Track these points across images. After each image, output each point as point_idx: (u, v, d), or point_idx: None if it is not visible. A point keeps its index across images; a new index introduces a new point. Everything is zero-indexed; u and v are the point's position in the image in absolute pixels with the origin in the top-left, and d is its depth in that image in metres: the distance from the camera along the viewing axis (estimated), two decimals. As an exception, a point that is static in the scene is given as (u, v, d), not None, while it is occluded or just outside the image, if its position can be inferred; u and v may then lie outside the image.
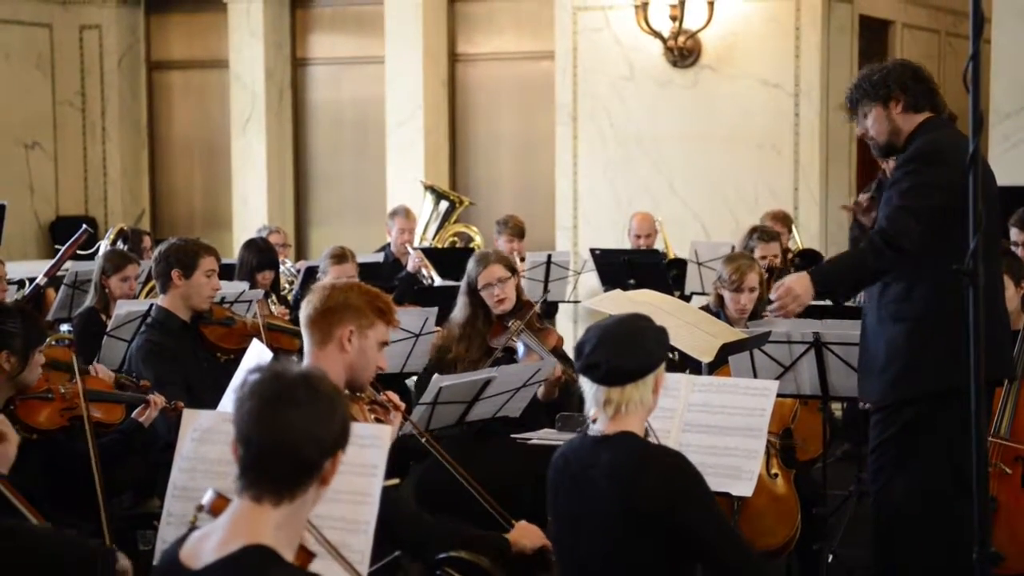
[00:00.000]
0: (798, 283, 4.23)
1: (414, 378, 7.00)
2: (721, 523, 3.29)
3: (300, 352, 5.75)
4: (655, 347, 3.32)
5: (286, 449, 2.36)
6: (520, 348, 5.42)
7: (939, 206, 4.07)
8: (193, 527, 2.52)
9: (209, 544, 2.40)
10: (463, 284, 5.53)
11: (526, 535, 3.81)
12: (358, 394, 3.69)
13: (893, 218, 4.15)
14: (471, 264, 5.53)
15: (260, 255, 7.04)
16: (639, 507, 3.20)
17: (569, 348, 6.24)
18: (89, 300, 6.43)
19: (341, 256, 6.63)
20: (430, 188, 9.94)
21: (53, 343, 4.79)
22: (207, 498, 2.48)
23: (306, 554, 2.46)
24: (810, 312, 5.71)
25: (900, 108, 4.25)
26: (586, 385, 3.31)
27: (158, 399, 4.62)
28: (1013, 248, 5.64)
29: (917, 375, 4.17)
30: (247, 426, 2.38)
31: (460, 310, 5.50)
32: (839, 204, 8.91)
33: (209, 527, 2.44)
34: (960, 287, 3.93)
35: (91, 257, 7.87)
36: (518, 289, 5.56)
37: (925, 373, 4.15)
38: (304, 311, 3.65)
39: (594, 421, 3.33)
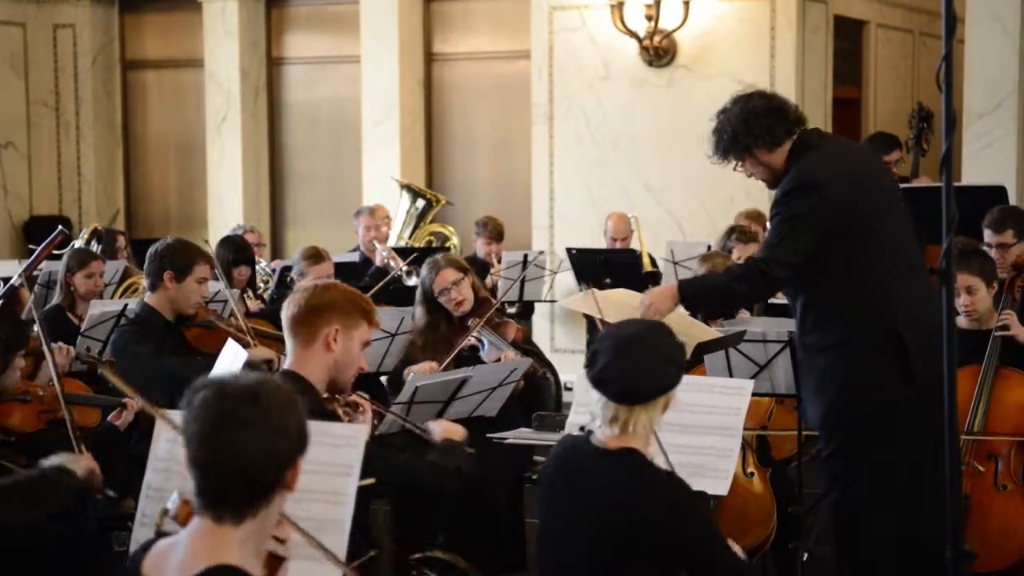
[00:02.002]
0: (660, 300, 4.34)
1: (390, 377, 7.01)
2: (718, 540, 3.28)
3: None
4: (671, 369, 3.24)
5: (240, 474, 2.25)
6: (485, 345, 5.46)
7: (816, 237, 4.15)
8: (160, 532, 2.44)
9: (173, 560, 2.31)
10: (419, 293, 5.58)
11: (451, 431, 3.88)
12: (336, 396, 3.68)
13: (769, 253, 4.23)
14: (423, 272, 5.58)
15: (236, 251, 7.02)
16: (636, 531, 3.17)
17: (545, 346, 6.27)
18: (55, 298, 6.40)
19: (317, 256, 6.62)
20: (407, 187, 9.94)
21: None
22: (172, 502, 2.39)
23: (275, 560, 2.37)
24: (785, 311, 5.73)
25: (764, 151, 4.28)
26: (594, 395, 3.25)
27: (134, 403, 4.59)
28: (987, 249, 5.64)
29: (850, 399, 4.24)
30: (195, 450, 2.27)
31: (420, 319, 5.54)
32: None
33: (173, 539, 2.36)
34: (870, 308, 4.12)
35: (64, 257, 7.84)
36: (475, 287, 5.59)
37: (858, 395, 4.22)
38: (288, 311, 3.62)
39: (589, 433, 3.29)
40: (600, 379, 3.20)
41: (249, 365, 5.10)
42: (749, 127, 4.23)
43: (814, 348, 4.28)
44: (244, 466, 2.24)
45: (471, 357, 5.43)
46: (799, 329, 4.35)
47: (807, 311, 4.30)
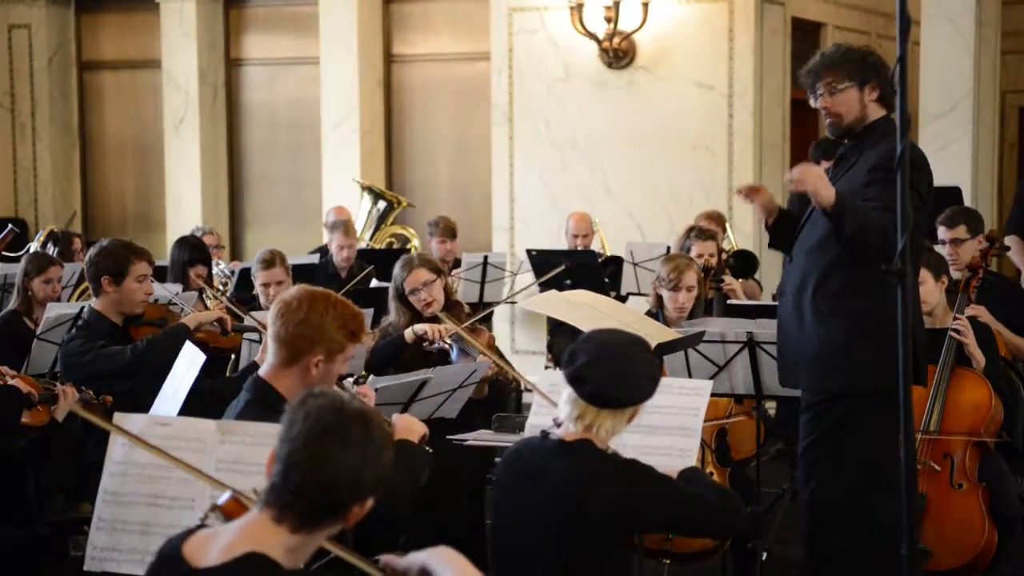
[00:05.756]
0: (816, 178, 4.04)
1: (347, 380, 6.99)
2: (679, 500, 3.31)
3: (237, 352, 5.76)
4: (645, 384, 3.29)
5: (324, 485, 2.31)
6: (454, 350, 5.44)
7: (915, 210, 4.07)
8: (202, 525, 2.45)
9: (216, 545, 2.34)
10: (391, 290, 5.58)
11: (409, 429, 3.60)
12: None
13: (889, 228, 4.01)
14: (396, 269, 5.57)
15: (192, 251, 6.98)
16: (589, 515, 3.20)
17: (505, 348, 6.27)
18: (11, 303, 6.34)
19: (269, 261, 6.59)
20: (367, 189, 9.91)
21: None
22: (223, 499, 2.43)
23: None
24: (743, 312, 5.77)
25: (875, 96, 4.25)
26: (566, 390, 3.28)
27: (68, 389, 4.53)
28: (941, 246, 5.74)
29: (851, 371, 4.21)
30: (292, 448, 2.32)
31: (394, 315, 5.56)
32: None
33: (220, 528, 2.39)
34: (890, 292, 4.05)
35: (20, 259, 7.78)
36: (447, 289, 5.59)
37: (858, 370, 4.20)
38: (275, 324, 3.50)
39: (558, 425, 3.31)
40: (576, 376, 3.24)
41: (198, 330, 5.09)
42: (884, 73, 4.19)
43: (829, 311, 4.21)
44: (331, 482, 2.31)
45: (440, 359, 5.42)
46: (817, 287, 4.22)
47: (832, 271, 4.22)
